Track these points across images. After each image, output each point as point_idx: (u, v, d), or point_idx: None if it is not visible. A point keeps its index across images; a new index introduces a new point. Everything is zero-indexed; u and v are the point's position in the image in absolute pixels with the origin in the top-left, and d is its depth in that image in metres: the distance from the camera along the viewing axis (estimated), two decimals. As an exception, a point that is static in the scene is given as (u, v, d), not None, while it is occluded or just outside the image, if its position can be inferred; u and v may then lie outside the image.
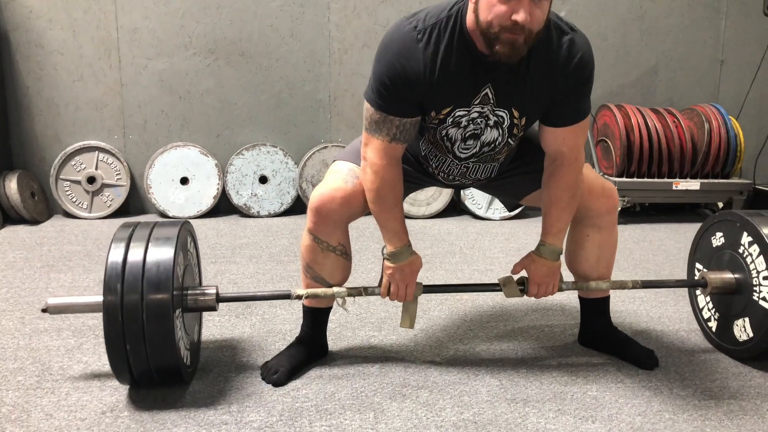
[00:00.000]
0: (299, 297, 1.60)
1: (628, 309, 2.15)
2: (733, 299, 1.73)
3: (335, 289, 1.60)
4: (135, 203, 3.74)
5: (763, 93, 3.86)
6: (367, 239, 2.98)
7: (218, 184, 3.66)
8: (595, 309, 1.80)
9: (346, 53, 3.72)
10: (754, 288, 1.64)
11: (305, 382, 1.61)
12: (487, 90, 1.42)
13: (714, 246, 1.82)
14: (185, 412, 1.45)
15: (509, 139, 1.53)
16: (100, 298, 1.45)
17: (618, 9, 3.85)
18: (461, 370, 1.68)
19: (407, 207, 3.57)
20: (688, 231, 3.39)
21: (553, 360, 1.75)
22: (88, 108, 3.63)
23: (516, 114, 1.46)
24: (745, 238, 1.68)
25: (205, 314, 2.07)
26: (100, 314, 2.05)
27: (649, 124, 3.45)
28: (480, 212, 3.66)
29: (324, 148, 3.67)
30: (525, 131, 1.55)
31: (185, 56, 3.63)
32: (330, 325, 1.78)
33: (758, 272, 1.63)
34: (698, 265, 1.89)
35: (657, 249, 3.03)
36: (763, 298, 1.61)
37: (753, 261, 1.65)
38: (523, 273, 1.66)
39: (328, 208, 1.53)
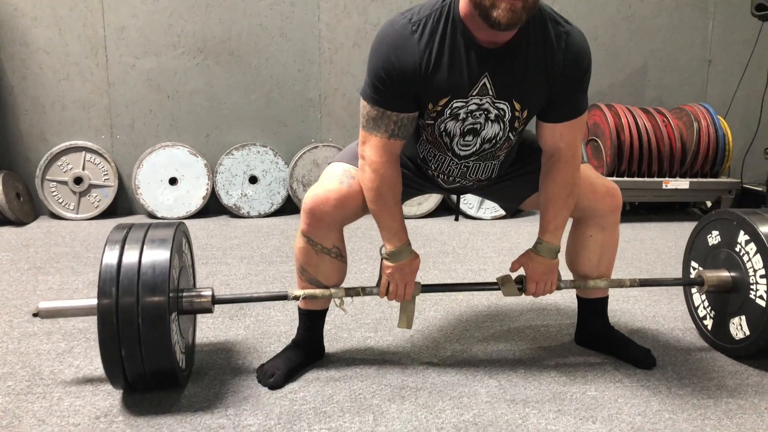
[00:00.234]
0: (296, 298, 1.58)
1: (623, 308, 2.16)
2: (729, 298, 1.73)
3: (333, 290, 1.58)
4: (123, 204, 3.69)
5: (750, 93, 3.89)
6: (359, 239, 2.96)
7: (207, 184, 3.62)
8: (593, 309, 1.80)
9: (337, 52, 3.70)
10: (751, 286, 1.65)
11: (302, 384, 1.59)
12: (485, 80, 1.40)
13: (710, 245, 1.82)
14: (181, 417, 1.43)
15: (510, 134, 1.51)
16: (93, 302, 1.42)
17: (607, 9, 3.86)
18: (459, 371, 1.67)
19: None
20: (678, 230, 3.42)
21: (551, 360, 1.74)
22: (75, 107, 3.58)
23: (517, 107, 1.45)
24: (742, 237, 1.69)
25: (199, 316, 2.04)
26: (93, 317, 2.03)
27: (639, 123, 3.47)
28: (471, 212, 3.66)
29: (315, 147, 3.65)
30: (525, 126, 1.54)
31: (173, 55, 3.59)
32: (325, 327, 1.76)
33: (755, 270, 1.64)
34: (694, 264, 1.90)
35: (648, 248, 3.04)
36: (760, 297, 1.61)
37: (750, 259, 1.65)
38: (521, 271, 1.65)
39: (322, 209, 1.50)
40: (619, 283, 1.71)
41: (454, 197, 3.63)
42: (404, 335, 1.91)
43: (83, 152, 3.56)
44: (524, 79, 1.41)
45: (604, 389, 1.57)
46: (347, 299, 1.62)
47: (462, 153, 1.54)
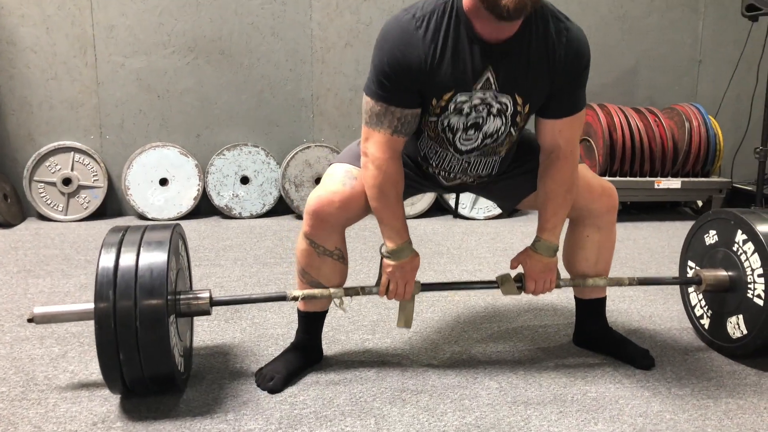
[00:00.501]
0: (295, 299, 1.56)
1: (619, 308, 2.16)
2: (726, 297, 1.74)
3: (332, 290, 1.57)
4: (113, 205, 3.65)
5: (740, 93, 3.92)
6: (351, 240, 2.94)
7: (198, 185, 3.59)
8: (592, 310, 1.80)
9: (329, 52, 3.68)
10: (749, 285, 1.65)
11: (302, 388, 1.58)
12: (489, 74, 1.40)
13: (707, 244, 1.83)
14: (180, 422, 1.40)
15: (512, 129, 1.50)
16: (89, 306, 1.40)
17: (599, 9, 3.88)
18: (459, 373, 1.66)
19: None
20: (670, 229, 3.44)
21: (550, 361, 1.74)
22: (63, 107, 3.53)
23: (519, 101, 1.44)
24: (740, 236, 1.69)
25: (195, 319, 2.02)
26: (87, 322, 2.00)
27: (632, 123, 3.48)
28: (464, 212, 3.66)
29: (307, 148, 3.63)
30: (526, 122, 1.53)
31: (164, 54, 3.55)
32: (323, 329, 1.75)
33: (753, 270, 1.64)
34: (691, 263, 1.91)
35: (641, 247, 3.05)
36: (758, 296, 1.62)
37: (747, 259, 1.66)
38: (520, 270, 1.65)
39: (326, 211, 1.50)
40: (618, 282, 1.71)
41: (452, 198, 3.63)
42: (402, 337, 1.90)
43: (72, 153, 3.51)
44: (527, 74, 1.41)
45: (604, 390, 1.57)
46: (346, 299, 1.61)
47: (464, 148, 1.53)
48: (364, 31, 3.68)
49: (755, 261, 1.64)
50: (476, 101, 1.43)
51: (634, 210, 3.88)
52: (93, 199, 3.54)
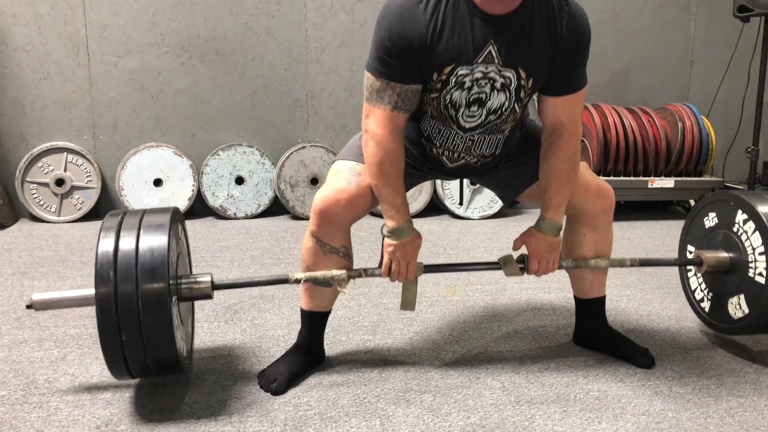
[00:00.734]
0: (298, 281, 1.54)
1: (617, 307, 2.18)
2: (727, 278, 1.74)
3: (334, 272, 1.55)
4: (106, 206, 3.62)
5: (732, 92, 3.96)
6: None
7: (193, 185, 3.57)
8: (591, 309, 1.81)
9: (324, 52, 3.68)
10: (750, 264, 1.65)
11: (305, 389, 1.57)
12: (491, 48, 1.40)
13: (707, 227, 1.83)
14: (185, 424, 1.40)
15: (515, 105, 1.50)
16: (90, 291, 1.38)
17: (592, 9, 3.88)
18: (461, 373, 1.67)
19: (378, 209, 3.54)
20: (664, 228, 3.46)
21: (551, 361, 1.75)
22: (56, 107, 3.50)
23: (523, 75, 1.45)
24: (740, 216, 1.70)
25: (195, 321, 2.01)
26: (83, 322, 1.98)
27: (626, 123, 3.51)
28: (459, 211, 3.67)
29: (302, 148, 3.62)
30: (530, 98, 1.53)
31: (157, 54, 3.53)
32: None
33: (754, 249, 1.64)
34: (690, 248, 1.90)
35: (636, 246, 3.07)
36: (759, 274, 1.62)
37: (748, 238, 1.66)
38: (523, 250, 1.65)
39: (333, 210, 1.51)
40: (620, 263, 1.72)
41: (448, 198, 3.63)
42: (403, 337, 1.91)
43: (65, 153, 3.48)
44: (529, 47, 1.42)
45: (606, 389, 1.58)
46: (349, 286, 1.61)
47: (467, 125, 1.52)
48: (358, 31, 3.67)
49: (756, 240, 1.64)
50: (478, 75, 1.43)
51: (627, 209, 3.91)
52: (86, 200, 3.52)
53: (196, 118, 3.64)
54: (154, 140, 3.60)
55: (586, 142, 3.62)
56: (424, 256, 2.82)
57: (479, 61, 1.42)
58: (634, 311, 2.15)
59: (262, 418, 1.43)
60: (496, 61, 1.42)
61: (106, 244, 1.35)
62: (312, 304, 1.65)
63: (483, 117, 1.51)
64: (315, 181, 3.64)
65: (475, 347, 1.84)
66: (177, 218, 1.52)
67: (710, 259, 1.74)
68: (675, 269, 2.63)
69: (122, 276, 1.32)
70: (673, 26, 3.98)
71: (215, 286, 1.52)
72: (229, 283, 1.59)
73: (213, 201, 3.60)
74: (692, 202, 3.80)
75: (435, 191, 3.67)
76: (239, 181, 3.62)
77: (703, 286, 1.86)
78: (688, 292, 1.94)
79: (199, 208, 3.65)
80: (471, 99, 1.47)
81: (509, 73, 1.44)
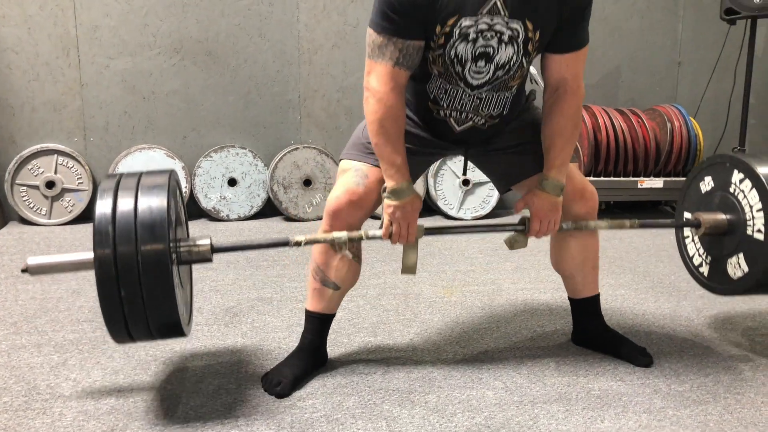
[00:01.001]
0: (298, 243, 1.53)
1: (612, 307, 2.21)
2: (725, 240, 1.74)
3: (335, 234, 1.54)
4: (97, 208, 3.59)
5: (718, 94, 4.02)
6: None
7: (185, 187, 3.55)
8: (586, 309, 1.83)
9: (316, 53, 3.68)
10: (748, 223, 1.66)
11: (309, 392, 1.58)
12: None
13: (703, 192, 1.83)
14: (192, 429, 1.40)
15: (523, 59, 1.51)
16: (88, 255, 1.34)
17: (581, 11, 3.93)
18: (464, 373, 1.68)
19: (379, 210, 3.55)
20: (654, 228, 3.50)
21: (551, 360, 1.77)
22: (46, 109, 3.47)
23: (530, 26, 1.45)
24: (736, 176, 1.70)
25: (194, 322, 2.00)
26: (81, 326, 1.97)
27: (615, 124, 3.55)
28: (452, 212, 3.69)
29: (295, 149, 3.62)
30: (538, 53, 1.54)
31: (149, 56, 3.51)
32: (327, 332, 1.76)
33: (751, 206, 1.65)
34: (687, 215, 1.90)
35: (628, 246, 3.11)
36: (758, 230, 1.62)
37: (745, 196, 1.67)
38: (525, 218, 1.65)
39: (345, 211, 1.55)
40: (620, 224, 1.74)
41: (440, 202, 3.65)
42: (404, 338, 1.92)
43: (55, 155, 3.45)
44: (535, 1, 1.43)
45: (607, 388, 1.60)
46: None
47: (475, 82, 1.52)
48: (351, 33, 3.68)
49: (753, 197, 1.64)
50: (482, 26, 1.44)
51: (616, 209, 3.95)
52: (77, 203, 3.49)
53: (188, 120, 3.62)
54: (145, 142, 3.58)
55: (577, 143, 3.66)
56: (420, 257, 2.84)
57: (484, 11, 1.42)
58: (629, 311, 2.18)
59: (269, 421, 1.44)
60: (502, 12, 1.42)
61: (104, 205, 1.31)
62: (320, 305, 1.66)
63: (491, 73, 1.51)
64: (308, 183, 3.64)
65: (475, 347, 1.86)
66: (174, 180, 1.47)
67: (708, 221, 1.73)
68: (668, 269, 2.68)
69: (121, 238, 1.28)
70: (661, 28, 4.03)
71: (214, 249, 1.49)
72: (228, 246, 1.57)
73: (206, 203, 3.59)
74: (681, 202, 3.85)
75: (428, 192, 3.69)
76: (232, 182, 3.61)
77: (701, 250, 1.85)
78: (686, 259, 1.92)
79: (192, 210, 3.63)
80: (477, 53, 1.47)
81: (516, 25, 1.45)
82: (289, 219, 3.65)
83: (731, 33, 3.81)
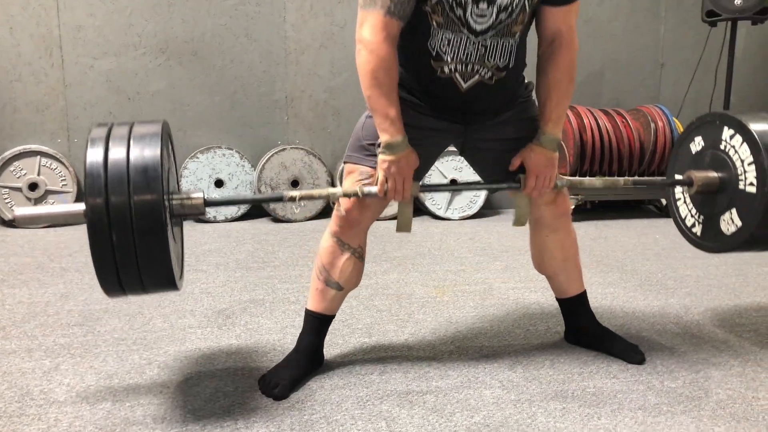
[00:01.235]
0: (292, 199, 1.51)
1: (602, 305, 2.23)
2: (717, 198, 1.75)
3: (330, 190, 1.54)
4: (82, 210, 3.55)
5: (699, 94, 4.08)
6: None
7: (172, 188, 3.52)
8: (574, 307, 1.85)
9: (303, 54, 3.67)
10: (740, 177, 1.67)
11: (307, 393, 1.58)
12: None
13: (693, 153, 1.84)
14: (191, 432, 1.39)
15: (525, 0, 1.50)
16: (78, 206, 1.32)
17: (566, 13, 3.97)
18: (460, 372, 1.69)
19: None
20: (639, 227, 3.56)
21: (545, 359, 1.78)
22: (28, 110, 3.42)
23: None
24: (726, 132, 1.71)
25: (186, 325, 1.99)
26: (72, 330, 1.95)
27: (601, 124, 3.59)
28: (440, 212, 3.70)
29: (282, 150, 3.61)
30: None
31: (134, 56, 3.47)
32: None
33: (742, 161, 1.66)
34: (678, 177, 1.90)
35: (614, 245, 3.15)
36: (750, 184, 1.64)
37: (736, 152, 1.68)
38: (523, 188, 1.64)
39: (355, 214, 1.58)
40: (614, 183, 1.75)
41: (432, 193, 3.65)
42: (399, 338, 1.92)
43: (38, 157, 3.40)
44: None
45: (601, 385, 1.62)
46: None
47: (478, 27, 1.49)
48: (338, 33, 3.68)
49: (744, 151, 1.65)
50: None
51: (601, 208, 4.00)
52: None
53: (174, 120, 3.59)
54: (130, 143, 3.54)
55: (563, 143, 3.70)
56: (410, 257, 2.86)
57: None
58: (619, 309, 2.21)
59: (268, 423, 1.43)
60: None
61: (95, 155, 1.27)
62: (322, 306, 1.66)
63: (494, 16, 1.48)
64: (296, 183, 3.63)
65: (470, 347, 1.87)
66: (167, 131, 1.43)
67: (700, 178, 1.73)
68: (654, 267, 2.72)
69: (114, 188, 1.25)
70: (644, 30, 4.09)
71: (207, 203, 1.46)
72: (221, 200, 1.55)
73: (192, 204, 3.56)
74: (663, 201, 3.91)
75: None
76: (219, 183, 3.59)
77: (693, 210, 1.85)
78: (678, 221, 1.92)
79: (178, 211, 3.60)
80: None
81: None
82: (277, 220, 3.64)
83: (712, 34, 3.88)
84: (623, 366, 1.73)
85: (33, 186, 3.39)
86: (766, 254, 2.90)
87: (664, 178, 1.94)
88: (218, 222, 3.59)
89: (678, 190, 1.90)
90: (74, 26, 3.38)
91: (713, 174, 1.74)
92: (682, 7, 4.08)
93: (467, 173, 3.67)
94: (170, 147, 1.52)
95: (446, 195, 3.69)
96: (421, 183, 1.59)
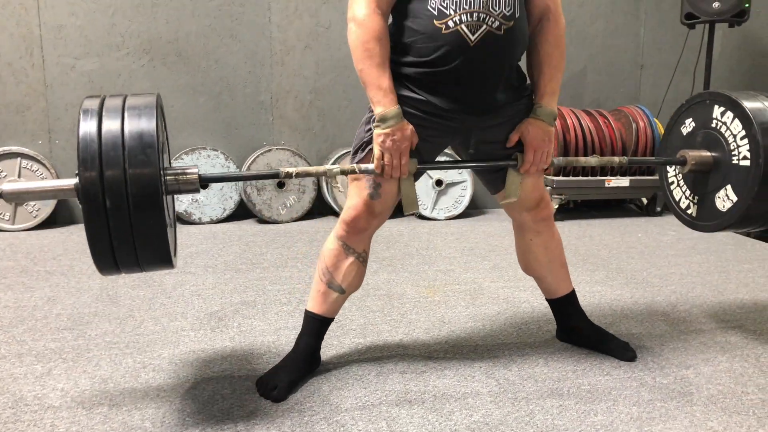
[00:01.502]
0: (289, 175, 1.49)
1: (590, 303, 2.27)
2: (711, 176, 1.77)
3: (326, 167, 1.53)
4: (64, 213, 3.50)
5: (678, 95, 4.16)
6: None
7: (156, 190, 3.48)
8: (564, 307, 1.87)
9: (288, 54, 3.66)
10: (733, 153, 1.69)
11: (306, 395, 1.58)
12: None
13: (684, 134, 1.86)
14: (191, 436, 1.38)
15: None
16: (68, 181, 1.28)
17: (548, 15, 4.02)
18: (456, 372, 1.71)
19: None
20: (621, 225, 3.61)
21: (539, 357, 1.81)
22: (8, 111, 3.35)
23: None
24: (717, 110, 1.74)
25: (179, 328, 1.98)
26: (62, 335, 1.92)
27: (584, 125, 3.64)
28: (426, 212, 3.72)
29: (268, 151, 3.59)
30: None
31: (117, 56, 3.43)
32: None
33: (735, 136, 1.68)
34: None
35: (598, 243, 3.20)
36: (744, 158, 1.66)
37: (728, 128, 1.70)
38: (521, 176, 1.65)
39: (360, 222, 1.60)
40: (609, 161, 1.77)
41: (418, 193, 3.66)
42: (393, 338, 1.93)
43: (18, 158, 3.34)
44: None
45: (596, 383, 1.65)
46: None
47: None
48: (323, 34, 3.67)
49: (736, 126, 1.68)
50: None
51: (584, 208, 4.05)
52: (43, 207, 3.38)
53: (158, 122, 3.55)
54: (113, 144, 3.50)
55: (547, 143, 3.74)
56: (399, 257, 2.87)
57: None
58: (608, 307, 2.24)
59: (269, 425, 1.43)
60: None
61: (88, 127, 1.23)
62: (323, 308, 1.66)
63: None
64: (282, 185, 3.62)
65: (464, 346, 1.88)
66: (159, 105, 1.39)
67: (694, 156, 1.75)
68: (639, 265, 2.76)
69: (108, 162, 1.21)
70: (624, 32, 4.15)
71: (203, 179, 1.42)
72: (217, 176, 1.53)
73: (177, 206, 3.53)
74: (644, 200, 3.98)
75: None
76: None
77: (688, 192, 1.87)
78: (673, 204, 1.93)
79: (163, 213, 3.57)
80: None
81: None
82: (263, 221, 3.62)
83: (690, 36, 3.96)
84: (616, 363, 1.76)
85: (13, 188, 3.32)
86: (746, 252, 2.98)
87: (660, 158, 1.93)
88: (203, 223, 3.57)
89: (671, 174, 1.92)
90: (55, 26, 3.33)
91: (706, 153, 1.76)
92: (661, 10, 4.15)
93: (452, 173, 3.70)
94: (163, 120, 1.49)
95: (432, 195, 3.71)
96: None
